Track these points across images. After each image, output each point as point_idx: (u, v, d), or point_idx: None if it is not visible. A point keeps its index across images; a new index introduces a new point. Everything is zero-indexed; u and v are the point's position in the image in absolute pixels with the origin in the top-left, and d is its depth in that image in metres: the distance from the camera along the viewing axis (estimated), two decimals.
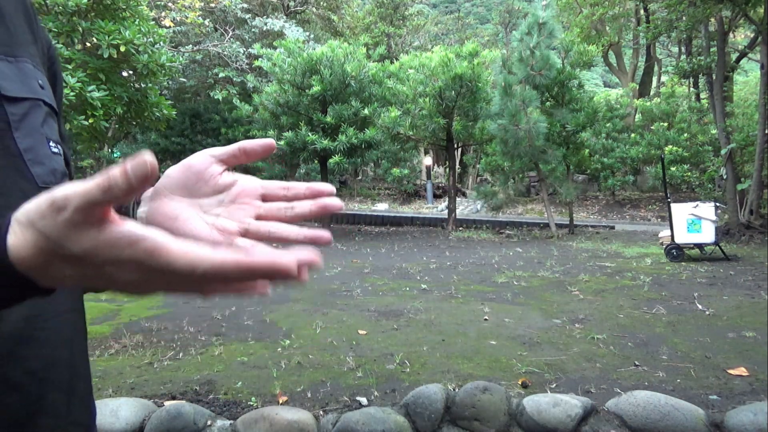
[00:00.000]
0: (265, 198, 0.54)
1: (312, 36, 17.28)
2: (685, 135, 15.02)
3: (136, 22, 5.91)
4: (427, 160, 20.67)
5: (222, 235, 0.51)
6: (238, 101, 12.63)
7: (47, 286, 0.38)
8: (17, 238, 0.35)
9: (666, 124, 15.43)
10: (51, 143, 0.58)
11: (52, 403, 0.54)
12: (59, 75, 0.68)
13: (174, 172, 0.54)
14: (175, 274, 0.34)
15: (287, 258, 0.33)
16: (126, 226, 0.34)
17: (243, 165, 0.56)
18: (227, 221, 0.52)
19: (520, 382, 2.79)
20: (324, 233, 0.51)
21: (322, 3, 21.38)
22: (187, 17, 13.27)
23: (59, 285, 0.39)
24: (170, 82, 14.97)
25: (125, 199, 0.33)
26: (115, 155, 20.59)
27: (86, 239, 0.34)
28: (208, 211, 0.53)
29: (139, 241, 0.33)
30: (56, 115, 0.62)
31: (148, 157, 0.32)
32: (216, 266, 0.33)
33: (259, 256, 0.33)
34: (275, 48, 11.78)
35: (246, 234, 0.52)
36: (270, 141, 0.52)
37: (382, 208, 18.34)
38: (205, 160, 0.53)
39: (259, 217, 0.53)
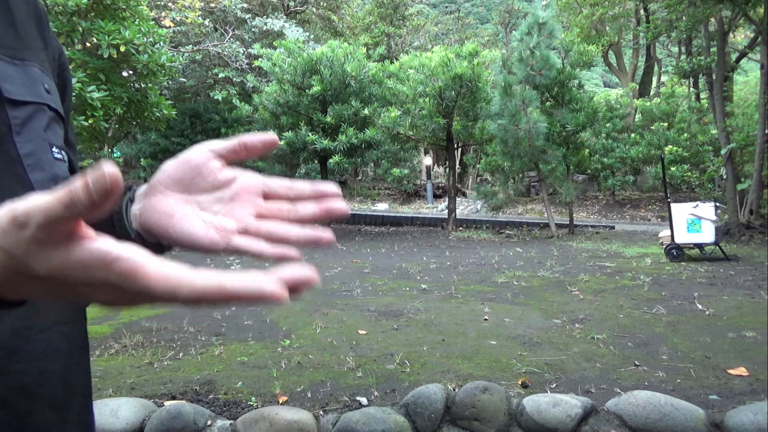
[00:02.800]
0: (266, 196, 0.52)
1: (312, 36, 17.28)
2: (685, 135, 15.03)
3: (136, 22, 5.90)
4: (427, 160, 20.68)
5: (219, 234, 0.49)
6: (238, 101, 12.62)
7: (16, 299, 0.35)
8: None
9: (666, 124, 15.44)
10: (54, 149, 0.56)
11: (43, 419, 0.51)
12: (69, 83, 0.66)
13: (170, 166, 0.51)
14: (154, 297, 0.31)
15: (272, 285, 0.31)
16: (98, 245, 0.31)
17: (242, 164, 0.55)
18: (226, 219, 0.49)
19: (520, 382, 2.79)
20: (326, 234, 0.49)
21: (322, 3, 21.38)
22: (187, 17, 13.27)
23: (31, 299, 0.36)
24: (170, 82, 14.96)
25: (90, 215, 0.30)
26: (115, 155, 20.59)
27: (53, 259, 0.31)
28: (207, 209, 0.50)
29: (113, 262, 0.30)
30: (63, 121, 0.60)
31: (108, 169, 0.28)
32: (197, 293, 0.31)
33: (243, 283, 0.31)
34: (275, 48, 11.78)
35: (245, 233, 0.49)
36: (272, 136, 0.49)
37: (382, 208, 18.34)
38: (203, 154, 0.50)
39: (259, 216, 0.50)
